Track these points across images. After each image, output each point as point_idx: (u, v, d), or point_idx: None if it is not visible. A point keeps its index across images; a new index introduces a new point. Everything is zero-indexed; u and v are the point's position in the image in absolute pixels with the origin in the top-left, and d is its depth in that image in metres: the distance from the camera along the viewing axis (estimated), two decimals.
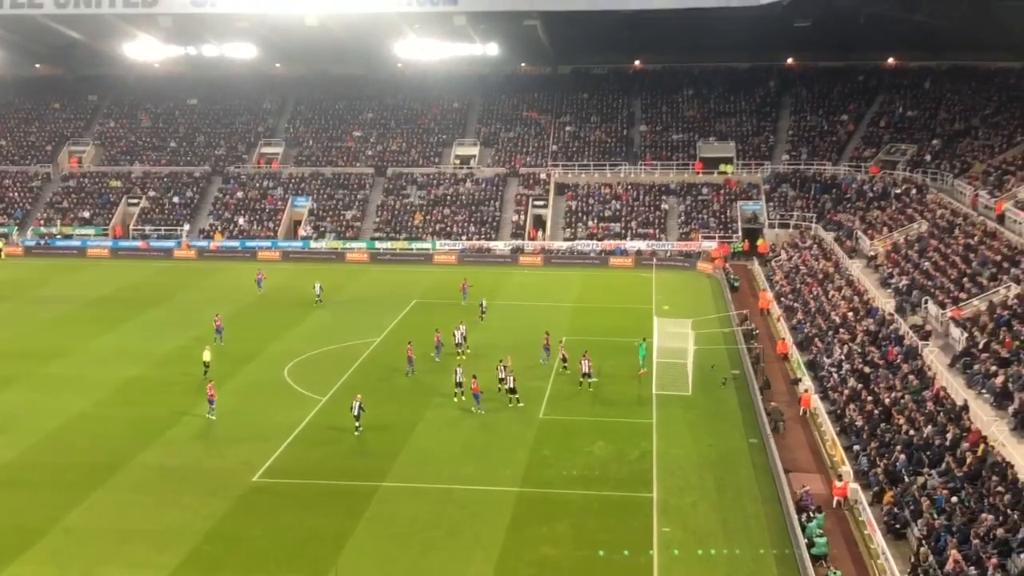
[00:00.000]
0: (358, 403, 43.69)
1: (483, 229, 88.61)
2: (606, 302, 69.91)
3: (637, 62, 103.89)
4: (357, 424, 43.50)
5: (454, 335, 55.85)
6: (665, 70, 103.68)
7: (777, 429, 43.27)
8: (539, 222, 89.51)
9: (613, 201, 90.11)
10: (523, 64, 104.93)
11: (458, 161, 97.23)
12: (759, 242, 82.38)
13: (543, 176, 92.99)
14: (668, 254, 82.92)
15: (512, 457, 41.38)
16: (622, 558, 32.63)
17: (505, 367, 48.49)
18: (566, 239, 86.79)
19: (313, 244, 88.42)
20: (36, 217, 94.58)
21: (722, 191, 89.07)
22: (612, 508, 36.53)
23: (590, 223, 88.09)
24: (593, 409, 47.55)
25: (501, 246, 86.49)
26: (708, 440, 43.42)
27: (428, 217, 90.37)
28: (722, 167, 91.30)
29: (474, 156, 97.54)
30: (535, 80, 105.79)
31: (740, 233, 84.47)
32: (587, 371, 49.74)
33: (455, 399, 47.72)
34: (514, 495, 37.68)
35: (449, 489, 38.26)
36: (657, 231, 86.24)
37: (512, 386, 47.44)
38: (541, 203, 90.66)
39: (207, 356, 51.23)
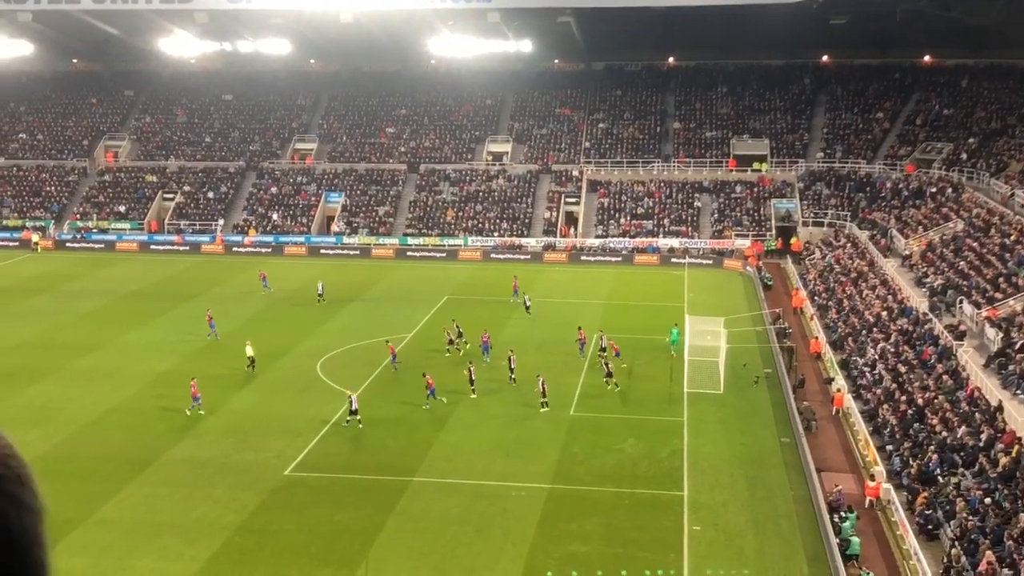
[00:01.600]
0: (353, 398, 44.31)
1: (515, 226, 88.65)
2: (638, 299, 69.76)
3: (671, 59, 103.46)
4: (348, 419, 44.16)
5: (447, 333, 56.33)
6: (699, 67, 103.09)
7: (809, 428, 43.21)
8: (571, 219, 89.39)
9: (646, 198, 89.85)
10: (556, 61, 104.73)
11: (490, 158, 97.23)
12: (793, 240, 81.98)
13: (575, 173, 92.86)
14: (701, 252, 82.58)
15: (543, 454, 41.60)
16: (652, 556, 32.57)
17: (511, 357, 49.99)
18: (598, 236, 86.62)
19: (346, 240, 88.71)
20: (72, 211, 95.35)
21: (756, 189, 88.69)
22: (643, 506, 36.66)
23: (622, 220, 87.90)
24: (624, 407, 47.55)
25: (533, 243, 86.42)
26: (740, 439, 43.40)
27: (460, 214, 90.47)
28: (756, 165, 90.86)
29: (507, 153, 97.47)
30: (568, 77, 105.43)
31: (773, 231, 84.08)
32: (609, 371, 49.78)
33: (472, 395, 48.13)
34: (544, 492, 37.74)
35: (479, 485, 38.43)
36: (690, 229, 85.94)
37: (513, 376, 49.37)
38: (573, 200, 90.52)
39: (250, 351, 51.58)
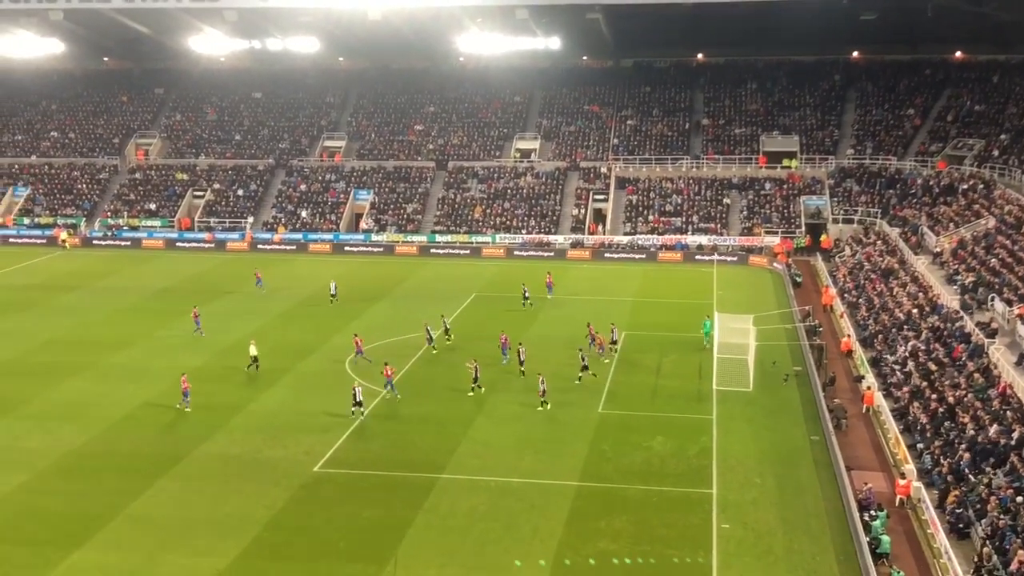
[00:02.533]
0: (359, 389, 45.09)
1: (543, 223, 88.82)
2: (666, 297, 69.73)
3: (700, 55, 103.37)
4: (352, 410, 44.79)
5: (427, 329, 56.75)
6: (728, 63, 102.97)
7: (839, 426, 43.04)
8: (599, 216, 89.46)
9: (674, 195, 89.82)
10: (584, 57, 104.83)
11: (519, 155, 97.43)
12: (822, 238, 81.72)
13: (604, 170, 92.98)
14: (729, 249, 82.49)
15: (571, 451, 41.59)
16: (681, 554, 32.48)
17: (520, 350, 51.41)
18: (626, 233, 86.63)
19: (375, 237, 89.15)
20: (104, 209, 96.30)
21: (785, 186, 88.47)
22: (671, 504, 36.45)
23: (651, 217, 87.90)
24: (653, 404, 47.52)
25: (561, 240, 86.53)
26: (769, 437, 43.22)
27: (488, 211, 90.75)
28: (785, 162, 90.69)
29: (535, 150, 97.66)
30: (596, 73, 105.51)
31: (803, 228, 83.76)
32: (585, 364, 50.26)
33: (471, 393, 48.27)
34: (573, 489, 37.66)
35: (507, 482, 38.39)
36: (719, 226, 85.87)
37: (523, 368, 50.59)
38: (601, 197, 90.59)
39: (253, 350, 51.78)
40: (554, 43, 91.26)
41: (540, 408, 46.25)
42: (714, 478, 38.66)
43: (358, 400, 44.69)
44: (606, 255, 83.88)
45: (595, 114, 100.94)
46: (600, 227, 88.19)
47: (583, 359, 50.77)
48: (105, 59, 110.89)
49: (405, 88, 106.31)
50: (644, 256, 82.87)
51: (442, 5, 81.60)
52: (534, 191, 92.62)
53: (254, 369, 51.83)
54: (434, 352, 55.54)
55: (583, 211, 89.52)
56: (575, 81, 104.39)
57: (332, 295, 67.80)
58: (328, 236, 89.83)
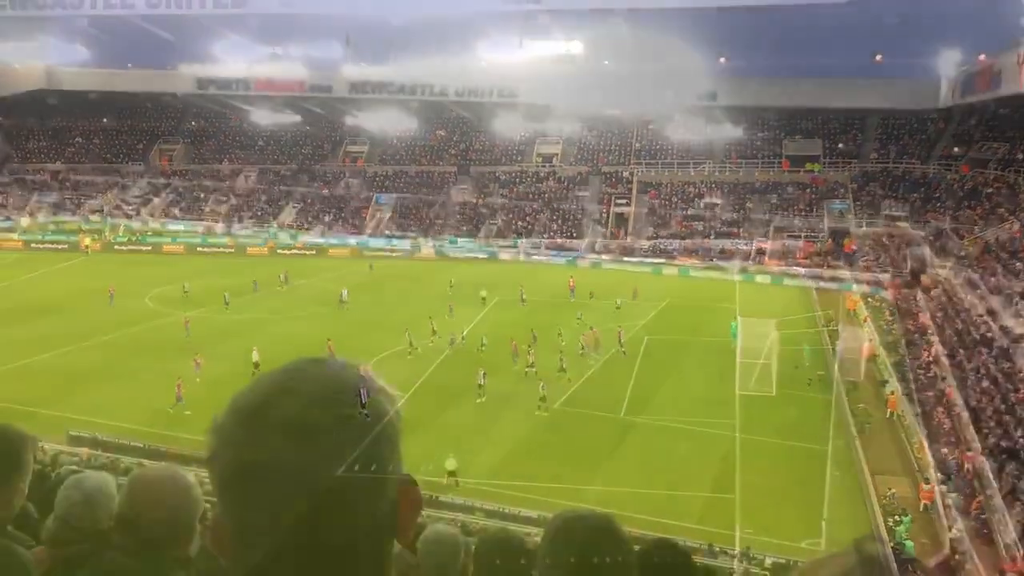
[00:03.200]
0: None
1: (564, 227, 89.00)
2: (690, 300, 69.43)
3: (722, 59, 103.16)
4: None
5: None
6: (747, 65, 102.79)
7: (863, 431, 42.88)
8: (621, 220, 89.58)
9: (697, 200, 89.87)
10: (606, 62, 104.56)
11: (540, 159, 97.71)
12: (845, 241, 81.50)
13: (626, 175, 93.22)
14: (752, 253, 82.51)
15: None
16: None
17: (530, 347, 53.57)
18: (648, 238, 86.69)
19: (396, 242, 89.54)
20: (127, 213, 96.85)
21: (808, 190, 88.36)
22: (695, 504, 36.91)
23: (673, 221, 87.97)
24: (676, 407, 47.37)
25: (583, 244, 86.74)
26: (792, 441, 42.85)
27: (510, 215, 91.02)
28: (808, 165, 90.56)
29: (557, 154, 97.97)
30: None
31: (826, 232, 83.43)
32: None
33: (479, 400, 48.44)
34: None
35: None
36: (741, 230, 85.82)
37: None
38: (623, 201, 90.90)
39: (256, 356, 50.93)
40: (576, 48, 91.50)
41: (536, 412, 46.75)
42: (736, 486, 38.34)
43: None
44: (633, 259, 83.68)
45: (616, 118, 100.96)
46: (622, 231, 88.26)
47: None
48: (129, 65, 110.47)
49: None
50: (671, 260, 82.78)
51: (464, 11, 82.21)
52: (556, 195, 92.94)
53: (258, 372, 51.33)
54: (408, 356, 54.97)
55: (605, 215, 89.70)
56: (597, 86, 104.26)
57: (342, 301, 67.86)
58: (350, 240, 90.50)
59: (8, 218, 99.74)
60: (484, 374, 49.17)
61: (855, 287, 67.87)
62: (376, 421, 2.01)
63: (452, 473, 39.20)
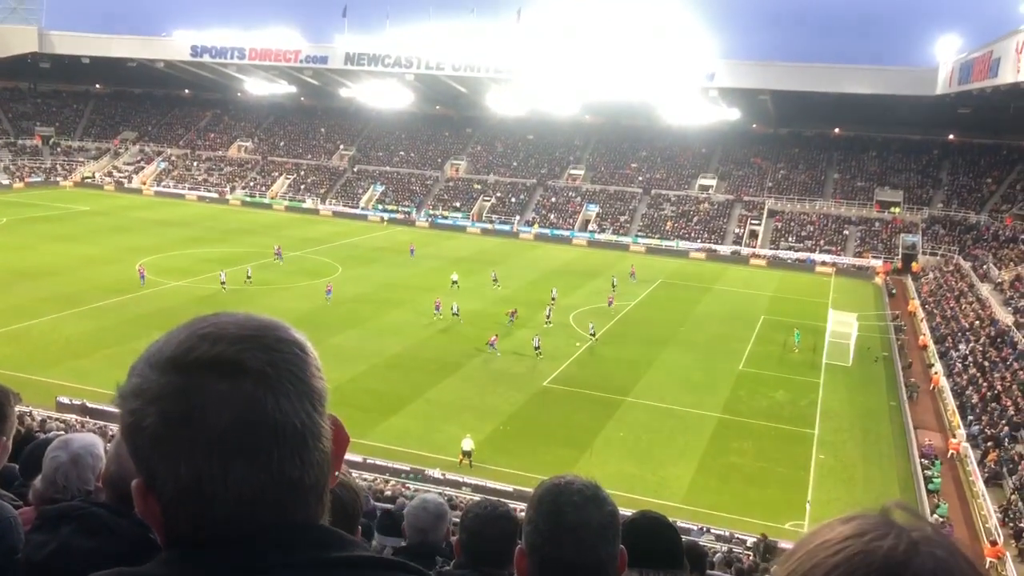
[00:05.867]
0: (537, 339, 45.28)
1: (712, 237, 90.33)
2: (795, 295, 68.45)
3: (836, 129, 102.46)
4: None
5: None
6: (856, 136, 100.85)
7: (912, 397, 42.60)
8: (753, 235, 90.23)
9: (808, 225, 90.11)
10: (754, 125, 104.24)
11: (700, 189, 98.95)
12: (913, 264, 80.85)
13: (760, 203, 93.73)
14: (845, 266, 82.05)
15: (718, 393, 41.72)
16: (787, 472, 32.99)
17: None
18: (771, 248, 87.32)
19: (598, 235, 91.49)
20: (427, 203, 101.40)
21: (889, 225, 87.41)
22: (784, 437, 36.69)
23: (790, 238, 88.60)
24: (779, 367, 47.40)
25: (725, 249, 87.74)
26: (860, 399, 42.84)
27: (675, 225, 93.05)
28: (892, 209, 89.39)
29: (712, 186, 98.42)
30: (761, 136, 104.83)
31: (900, 256, 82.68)
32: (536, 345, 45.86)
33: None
34: (716, 419, 38.23)
35: (672, 409, 39.01)
36: (839, 249, 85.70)
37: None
38: (756, 222, 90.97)
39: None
40: (733, 114, 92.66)
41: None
42: (817, 423, 38.78)
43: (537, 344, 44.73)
44: (752, 261, 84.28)
45: (757, 165, 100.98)
46: (755, 242, 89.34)
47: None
48: (437, 107, 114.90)
49: (627, 138, 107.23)
50: (782, 265, 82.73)
51: (664, 90, 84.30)
52: (709, 214, 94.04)
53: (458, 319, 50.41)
54: (548, 325, 51.59)
55: (742, 230, 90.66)
56: (745, 141, 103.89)
57: (494, 280, 63.02)
58: (566, 232, 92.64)
59: None
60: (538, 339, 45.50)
61: (917, 299, 67.67)
62: (305, 354, 1.41)
63: (467, 454, 32.07)
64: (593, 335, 48.49)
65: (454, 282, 59.86)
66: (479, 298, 57.32)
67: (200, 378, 1.33)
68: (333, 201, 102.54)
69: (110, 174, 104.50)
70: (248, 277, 57.62)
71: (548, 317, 52.14)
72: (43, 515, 2.49)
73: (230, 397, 1.32)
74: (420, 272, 65.45)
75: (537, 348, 44.61)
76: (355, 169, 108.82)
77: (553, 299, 56.35)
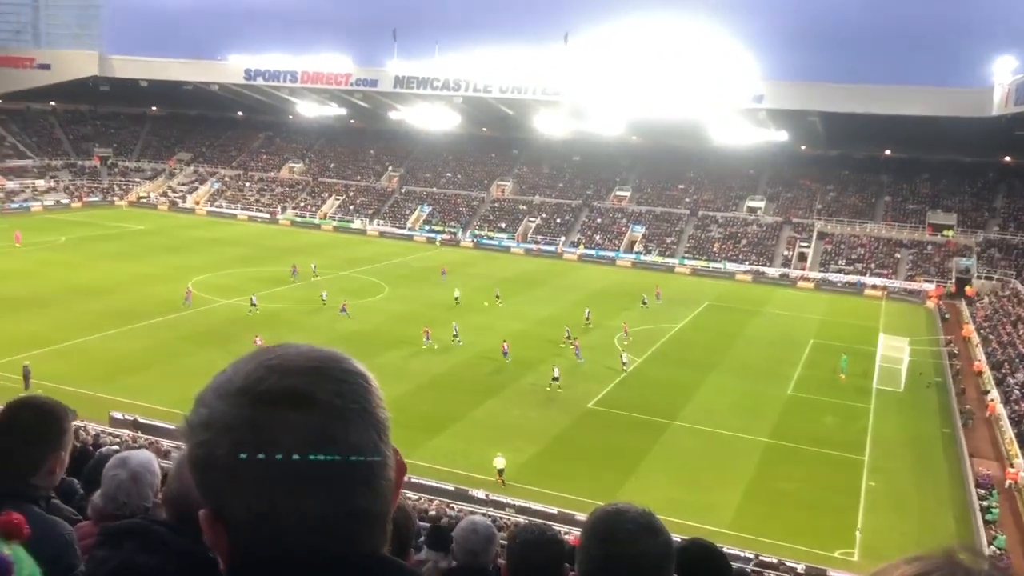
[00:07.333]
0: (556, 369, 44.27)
1: (760, 259, 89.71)
2: (845, 319, 67.52)
3: (887, 151, 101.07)
4: (551, 383, 43.31)
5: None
6: (908, 158, 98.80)
7: (967, 424, 41.73)
8: (802, 257, 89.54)
9: (859, 248, 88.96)
10: (803, 147, 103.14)
11: (748, 210, 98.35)
12: (967, 288, 79.35)
13: (809, 225, 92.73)
14: (896, 290, 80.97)
15: (766, 417, 41.23)
16: (838, 498, 32.37)
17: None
18: (820, 271, 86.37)
19: (644, 257, 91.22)
20: (473, 223, 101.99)
21: (942, 248, 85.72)
22: (833, 463, 36.07)
23: (840, 261, 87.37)
24: (829, 392, 46.59)
25: (773, 271, 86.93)
26: (911, 424, 42.02)
27: (722, 246, 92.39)
28: (945, 232, 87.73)
29: (760, 208, 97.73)
30: (810, 158, 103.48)
31: (953, 280, 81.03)
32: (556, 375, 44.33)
33: (549, 388, 43.47)
34: (764, 444, 37.81)
35: (719, 433, 38.58)
36: (890, 272, 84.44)
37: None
38: (805, 245, 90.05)
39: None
40: (782, 135, 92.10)
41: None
42: (867, 449, 38.10)
43: (555, 376, 43.43)
44: (799, 284, 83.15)
45: (806, 186, 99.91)
46: (804, 264, 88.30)
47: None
48: (483, 128, 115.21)
49: (674, 159, 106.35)
50: (830, 288, 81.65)
51: (713, 111, 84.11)
52: (757, 236, 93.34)
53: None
54: (569, 342, 51.41)
55: (791, 253, 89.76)
56: (794, 162, 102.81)
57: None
58: (611, 254, 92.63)
59: (59, 202, 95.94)
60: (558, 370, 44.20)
61: (971, 323, 66.23)
62: (369, 384, 1.44)
63: (500, 472, 32.05)
64: (625, 366, 47.44)
65: (456, 299, 60.09)
66: (520, 319, 57.47)
67: (271, 409, 1.34)
68: (380, 222, 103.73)
69: (164, 194, 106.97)
70: (323, 300, 57.64)
71: (568, 336, 51.57)
72: (105, 531, 2.51)
73: (301, 428, 1.33)
74: (468, 292, 64.44)
75: (556, 379, 43.55)
76: (403, 190, 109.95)
77: (587, 319, 56.44)
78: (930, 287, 79.88)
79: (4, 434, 3.00)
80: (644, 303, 63.80)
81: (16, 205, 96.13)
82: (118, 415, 33.80)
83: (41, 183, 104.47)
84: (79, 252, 71.45)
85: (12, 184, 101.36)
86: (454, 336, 50.48)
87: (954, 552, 1.18)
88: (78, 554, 2.81)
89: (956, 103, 79.85)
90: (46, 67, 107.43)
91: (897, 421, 42.48)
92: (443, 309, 58.13)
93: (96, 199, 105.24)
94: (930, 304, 76.02)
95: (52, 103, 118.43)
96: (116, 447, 10.30)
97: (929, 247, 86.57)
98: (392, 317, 55.52)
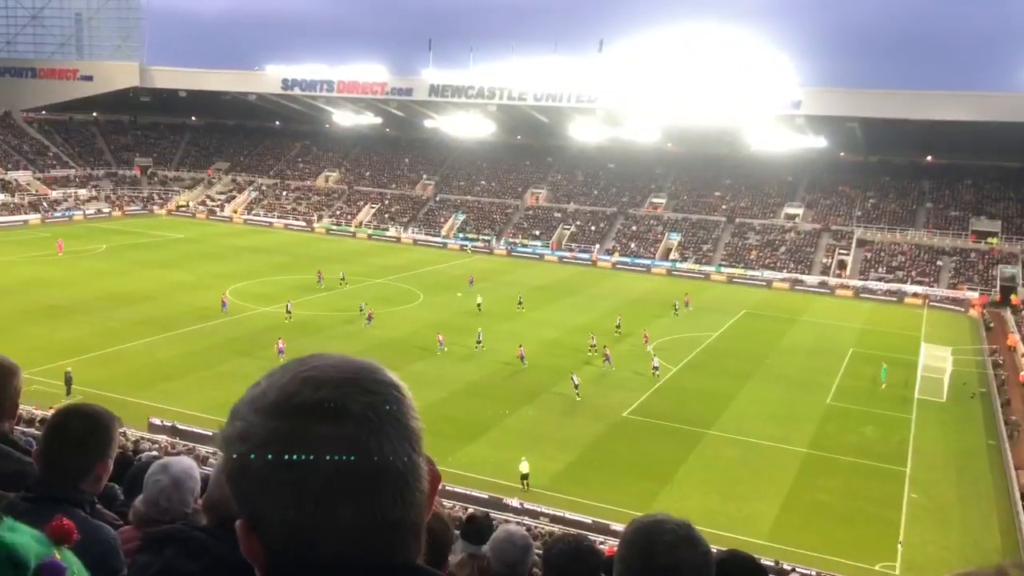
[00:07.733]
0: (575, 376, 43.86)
1: (799, 267, 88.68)
2: (886, 328, 66.59)
3: (929, 157, 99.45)
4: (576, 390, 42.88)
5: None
6: (950, 164, 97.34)
7: (1012, 436, 40.62)
8: (842, 265, 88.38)
9: (899, 255, 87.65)
10: (842, 153, 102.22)
11: (786, 218, 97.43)
12: (1012, 297, 77.58)
13: (848, 232, 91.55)
14: (939, 298, 79.40)
15: (804, 427, 40.72)
16: (878, 511, 31.73)
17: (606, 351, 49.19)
18: (860, 279, 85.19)
19: (679, 265, 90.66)
20: (507, 231, 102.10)
21: (986, 256, 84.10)
22: (874, 474, 35.52)
23: (880, 269, 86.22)
24: (868, 402, 46.02)
25: (812, 279, 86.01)
26: (954, 435, 41.29)
27: (760, 254, 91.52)
28: (989, 239, 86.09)
29: (799, 215, 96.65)
30: (849, 164, 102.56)
31: (998, 288, 79.31)
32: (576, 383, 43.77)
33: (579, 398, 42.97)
34: (802, 454, 37.24)
35: (756, 443, 38.12)
36: (931, 280, 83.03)
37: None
38: (845, 252, 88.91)
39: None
40: (820, 142, 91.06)
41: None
42: (909, 460, 37.44)
43: (576, 384, 43.11)
44: (838, 292, 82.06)
45: (846, 193, 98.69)
46: (843, 273, 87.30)
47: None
48: (518, 136, 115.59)
49: (710, 166, 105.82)
50: (870, 296, 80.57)
51: (748, 117, 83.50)
52: (795, 244, 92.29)
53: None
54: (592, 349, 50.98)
55: (830, 261, 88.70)
56: (833, 169, 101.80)
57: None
58: (647, 261, 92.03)
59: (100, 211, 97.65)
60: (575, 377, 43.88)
61: (1016, 333, 64.82)
62: (402, 395, 1.45)
63: (524, 476, 32.00)
64: (656, 371, 47.29)
65: (478, 306, 60.10)
66: (552, 326, 57.54)
67: (305, 422, 1.36)
68: (415, 229, 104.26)
69: (203, 203, 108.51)
70: (361, 309, 57.52)
71: (593, 343, 51.15)
72: (147, 537, 2.56)
73: (335, 441, 1.36)
74: (498, 300, 64.62)
75: (576, 386, 43.20)
76: (437, 198, 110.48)
77: (618, 327, 56.21)
78: (973, 295, 78.34)
79: (55, 441, 3.10)
80: (676, 311, 63.57)
81: (59, 214, 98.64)
82: (157, 421, 34.30)
83: (83, 192, 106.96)
84: (119, 260, 72.71)
85: (56, 193, 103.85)
86: (477, 342, 50.47)
87: (1006, 569, 1.14)
88: (122, 558, 2.89)
89: (1000, 108, 78.51)
90: (88, 79, 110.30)
91: (940, 432, 41.76)
92: (471, 316, 58.32)
93: (136, 208, 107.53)
94: (973, 313, 74.49)
95: (94, 114, 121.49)
96: (155, 453, 10.61)
97: (972, 254, 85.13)
98: (426, 324, 55.41)
